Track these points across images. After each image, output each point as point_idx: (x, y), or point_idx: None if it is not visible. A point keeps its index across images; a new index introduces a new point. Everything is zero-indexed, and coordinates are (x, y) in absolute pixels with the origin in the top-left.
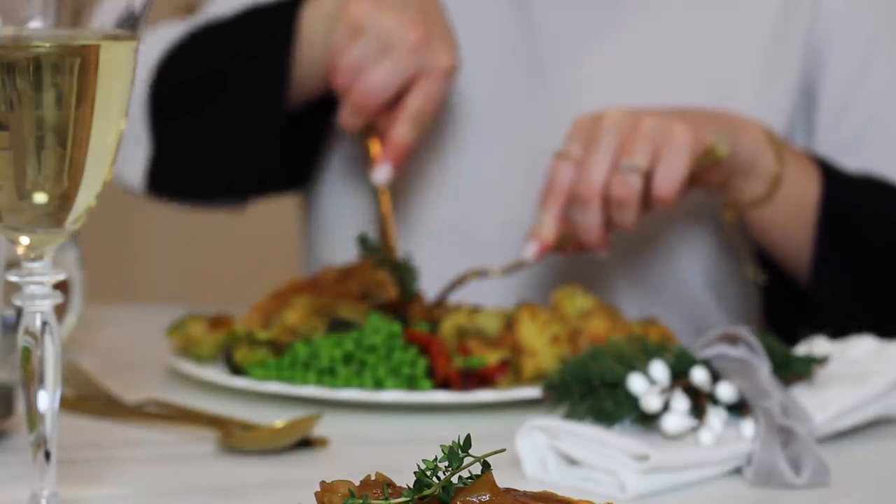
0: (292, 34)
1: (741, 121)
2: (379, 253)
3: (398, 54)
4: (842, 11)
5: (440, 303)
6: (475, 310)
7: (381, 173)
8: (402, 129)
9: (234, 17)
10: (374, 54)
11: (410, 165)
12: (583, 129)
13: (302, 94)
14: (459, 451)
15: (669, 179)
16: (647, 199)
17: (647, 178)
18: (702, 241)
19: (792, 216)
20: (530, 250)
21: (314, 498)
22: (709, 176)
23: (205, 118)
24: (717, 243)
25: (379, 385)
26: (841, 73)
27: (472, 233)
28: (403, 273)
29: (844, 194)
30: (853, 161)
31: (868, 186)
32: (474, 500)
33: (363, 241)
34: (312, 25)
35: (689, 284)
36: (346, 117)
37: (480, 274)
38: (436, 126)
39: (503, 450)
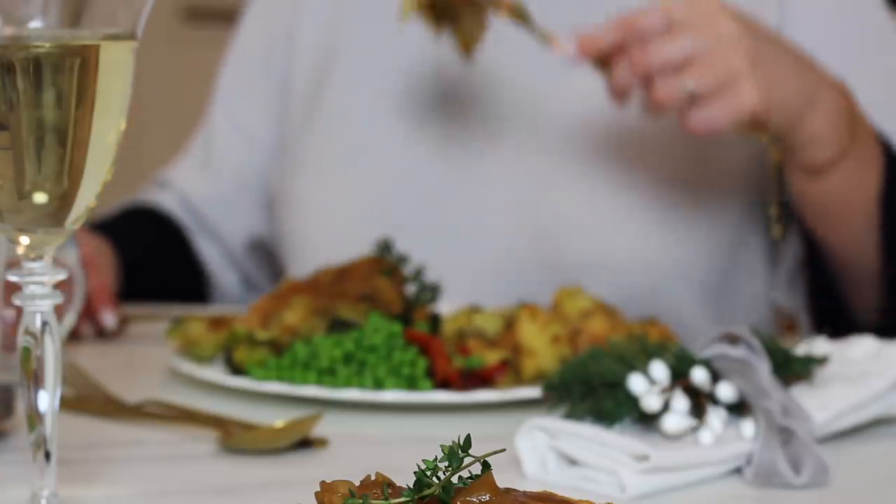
0: None
1: (825, 88)
2: (395, 263)
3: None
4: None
5: None
6: (475, 310)
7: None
8: None
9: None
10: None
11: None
12: (700, 12)
13: None
14: (459, 451)
15: (703, 123)
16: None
17: (690, 100)
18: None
19: (848, 200)
20: (571, 45)
21: (314, 498)
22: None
23: None
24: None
25: (379, 385)
26: None
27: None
28: (424, 291)
29: None
30: None
31: None
32: (474, 500)
33: (385, 246)
34: None
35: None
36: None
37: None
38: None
39: (503, 450)
